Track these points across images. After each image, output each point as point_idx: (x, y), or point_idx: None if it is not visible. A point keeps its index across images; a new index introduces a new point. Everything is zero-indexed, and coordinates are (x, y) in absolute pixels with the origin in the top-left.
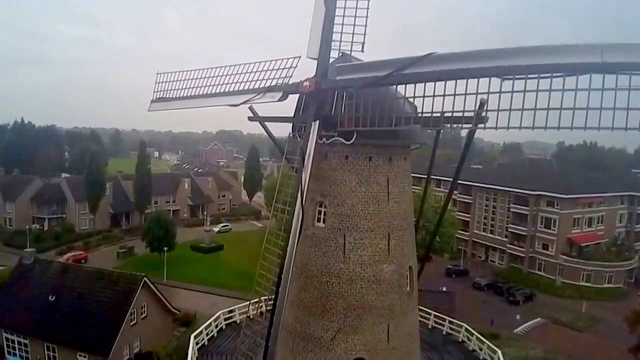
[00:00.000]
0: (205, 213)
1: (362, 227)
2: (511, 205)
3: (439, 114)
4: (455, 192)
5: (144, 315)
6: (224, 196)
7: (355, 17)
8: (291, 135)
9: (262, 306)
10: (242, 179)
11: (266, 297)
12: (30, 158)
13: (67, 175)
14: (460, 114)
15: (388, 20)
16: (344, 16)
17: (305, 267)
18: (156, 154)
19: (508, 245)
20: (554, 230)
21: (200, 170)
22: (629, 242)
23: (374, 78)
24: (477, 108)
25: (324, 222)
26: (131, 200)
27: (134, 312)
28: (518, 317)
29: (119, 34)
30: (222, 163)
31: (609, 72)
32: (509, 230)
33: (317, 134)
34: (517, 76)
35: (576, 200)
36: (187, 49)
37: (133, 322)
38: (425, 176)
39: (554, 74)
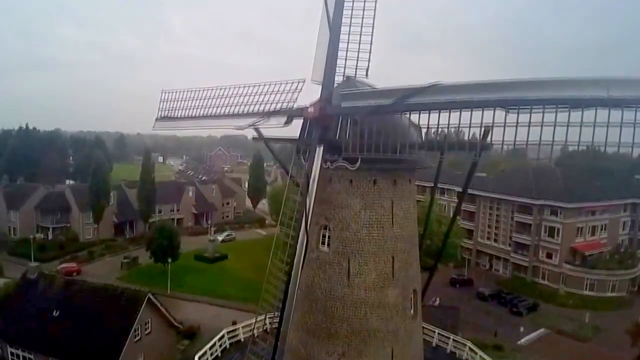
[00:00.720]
0: (209, 222)
1: (366, 251)
2: (515, 214)
3: (443, 141)
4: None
5: (147, 331)
6: (228, 204)
7: (359, 42)
8: (296, 157)
9: (266, 324)
10: (247, 185)
11: (271, 315)
12: (34, 164)
13: (71, 181)
14: (464, 142)
15: (389, 20)
16: (348, 42)
17: (309, 290)
18: (160, 159)
19: (512, 255)
20: (557, 239)
21: (204, 178)
22: (632, 250)
23: (379, 106)
24: (481, 137)
25: (328, 245)
26: (135, 208)
27: (138, 328)
28: (522, 329)
29: (124, 38)
30: (226, 168)
31: (614, 106)
32: (513, 239)
33: (322, 158)
34: (522, 108)
35: (580, 209)
36: (191, 53)
37: (137, 338)
38: (429, 184)
39: (559, 107)
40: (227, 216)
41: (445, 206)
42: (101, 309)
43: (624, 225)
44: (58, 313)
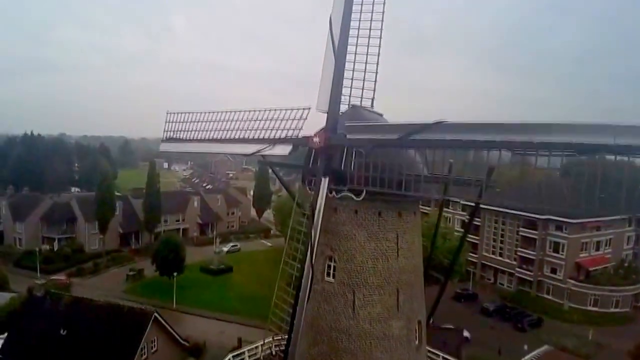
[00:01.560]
0: (214, 233)
1: (371, 283)
2: (520, 228)
3: (447, 177)
4: (463, 212)
5: (154, 350)
6: (233, 213)
7: (365, 71)
8: (301, 186)
9: (272, 348)
10: (252, 193)
11: (277, 337)
12: (39, 173)
13: (77, 189)
14: (469, 179)
15: (395, 23)
16: (353, 70)
17: (315, 321)
18: (165, 164)
19: (517, 269)
20: (562, 254)
21: (209, 187)
22: (636, 265)
23: (384, 140)
24: (486, 175)
25: (333, 277)
26: (141, 219)
27: (145, 346)
28: (526, 347)
29: (127, 40)
30: (231, 175)
31: (620, 154)
32: (518, 253)
33: (327, 188)
34: (527, 152)
35: (584, 224)
36: (195, 56)
37: (144, 358)
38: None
39: (565, 152)
40: (232, 226)
41: (449, 219)
42: (108, 328)
43: (628, 240)
44: (65, 332)
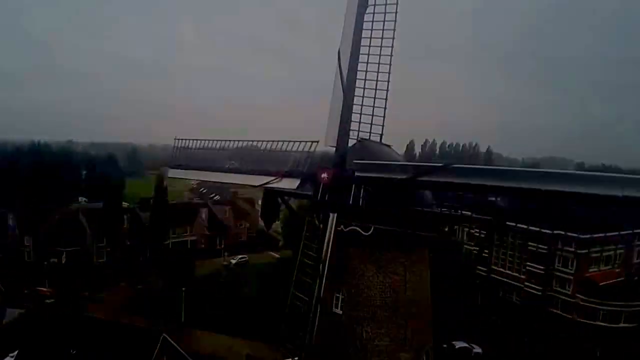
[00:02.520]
0: (222, 245)
1: (379, 316)
2: (529, 242)
3: (457, 215)
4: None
5: None
6: (240, 225)
7: (373, 107)
8: (309, 219)
9: None
10: (260, 202)
11: None
12: (47, 185)
13: (84, 199)
14: (478, 219)
15: (402, 37)
16: (362, 105)
17: (323, 354)
18: None
19: (525, 283)
20: (571, 269)
21: (217, 197)
22: None
23: (392, 180)
24: (494, 216)
25: (341, 309)
26: (149, 231)
27: None
28: None
29: (135, 47)
30: None
31: (628, 206)
32: (527, 268)
33: (336, 223)
34: (535, 199)
35: (594, 239)
36: (202, 64)
37: None
38: None
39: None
40: (240, 237)
41: (457, 230)
42: (117, 348)
43: (638, 254)
44: (75, 352)
